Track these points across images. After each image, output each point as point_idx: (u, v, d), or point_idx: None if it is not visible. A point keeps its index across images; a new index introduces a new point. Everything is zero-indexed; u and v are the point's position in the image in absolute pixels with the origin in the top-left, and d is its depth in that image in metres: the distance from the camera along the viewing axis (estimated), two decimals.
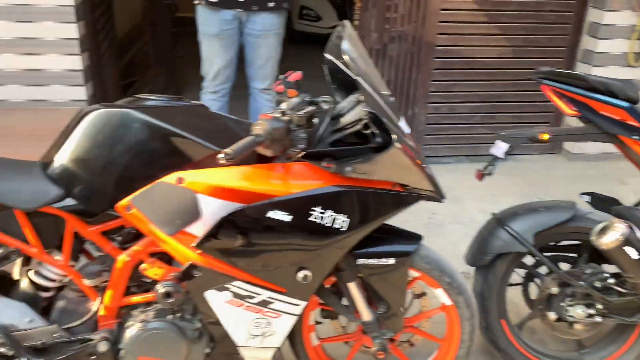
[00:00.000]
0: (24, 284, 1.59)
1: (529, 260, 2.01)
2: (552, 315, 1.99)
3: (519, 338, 2.05)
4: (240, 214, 1.45)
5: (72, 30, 3.03)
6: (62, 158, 1.50)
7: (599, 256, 1.93)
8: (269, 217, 1.47)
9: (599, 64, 3.56)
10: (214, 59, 3.16)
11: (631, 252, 1.72)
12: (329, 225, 1.51)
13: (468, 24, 3.47)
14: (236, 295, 1.54)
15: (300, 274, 1.53)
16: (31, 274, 1.58)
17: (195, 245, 1.46)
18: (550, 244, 2.03)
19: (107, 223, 1.56)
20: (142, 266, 1.56)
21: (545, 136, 1.88)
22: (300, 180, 1.51)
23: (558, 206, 1.97)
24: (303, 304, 1.59)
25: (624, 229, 1.72)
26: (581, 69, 3.65)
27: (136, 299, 1.59)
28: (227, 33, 3.06)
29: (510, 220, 1.97)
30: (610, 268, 1.93)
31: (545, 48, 3.61)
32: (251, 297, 1.55)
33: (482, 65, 3.57)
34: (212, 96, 3.34)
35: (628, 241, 1.72)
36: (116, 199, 1.49)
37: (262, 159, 1.53)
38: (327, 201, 1.50)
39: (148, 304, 1.61)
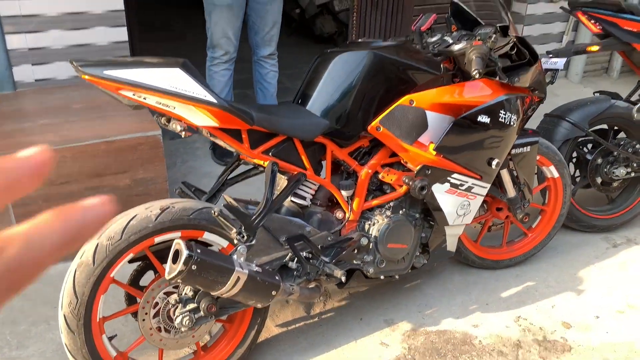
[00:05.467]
0: (288, 205, 1.92)
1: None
2: (598, 180, 2.78)
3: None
4: (463, 120, 1.95)
5: None
6: (323, 96, 1.86)
7: (613, 136, 2.76)
8: (479, 121, 1.98)
9: (531, 2, 4.43)
10: (225, 29, 3.11)
11: None
12: (508, 123, 2.06)
13: None
14: (452, 185, 2.04)
15: (493, 163, 2.08)
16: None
17: (435, 147, 1.93)
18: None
19: (351, 146, 1.95)
20: (381, 175, 1.98)
21: (594, 48, 2.60)
22: (481, 92, 2.04)
23: (598, 99, 2.72)
24: (488, 186, 2.14)
25: None
26: (517, 6, 4.50)
27: (375, 202, 2.01)
28: (238, 2, 3.07)
29: (568, 114, 2.68)
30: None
31: None
32: (462, 185, 2.06)
33: None
34: (222, 66, 3.25)
35: None
36: (366, 122, 1.89)
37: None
38: (506, 105, 2.05)
39: (380, 206, 2.03)
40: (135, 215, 1.65)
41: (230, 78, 3.30)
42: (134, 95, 1.53)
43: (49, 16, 2.91)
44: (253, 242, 1.69)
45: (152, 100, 1.55)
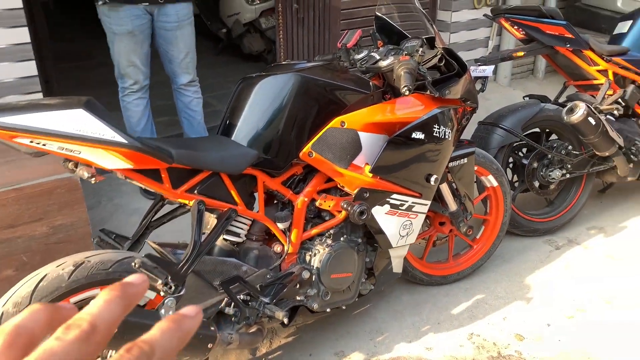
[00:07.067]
0: (221, 244, 1.78)
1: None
2: (536, 183, 2.78)
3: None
4: (397, 138, 1.87)
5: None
6: (248, 124, 1.73)
7: (546, 138, 2.78)
8: (413, 137, 1.91)
9: (455, 9, 4.47)
10: (131, 58, 2.88)
11: (591, 120, 2.54)
12: (443, 136, 2.01)
13: None
14: (392, 206, 1.95)
15: (432, 179, 2.01)
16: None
17: (370, 169, 1.84)
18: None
19: (284, 175, 1.83)
20: (318, 202, 1.87)
21: (520, 53, 2.60)
22: (412, 108, 1.97)
23: (528, 103, 2.73)
24: (429, 203, 2.07)
25: (584, 106, 2.53)
26: (442, 15, 4.54)
27: (315, 231, 1.89)
28: (140, 28, 2.83)
29: (501, 121, 2.66)
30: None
31: None
32: (402, 205, 1.98)
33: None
34: (134, 96, 2.99)
35: (589, 114, 2.53)
36: (297, 148, 1.78)
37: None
38: (440, 119, 1.99)
39: (320, 235, 1.92)
40: (46, 275, 1.46)
41: (147, 107, 3.05)
42: (31, 142, 1.36)
43: None
44: (182, 291, 1.54)
45: (53, 146, 1.38)
